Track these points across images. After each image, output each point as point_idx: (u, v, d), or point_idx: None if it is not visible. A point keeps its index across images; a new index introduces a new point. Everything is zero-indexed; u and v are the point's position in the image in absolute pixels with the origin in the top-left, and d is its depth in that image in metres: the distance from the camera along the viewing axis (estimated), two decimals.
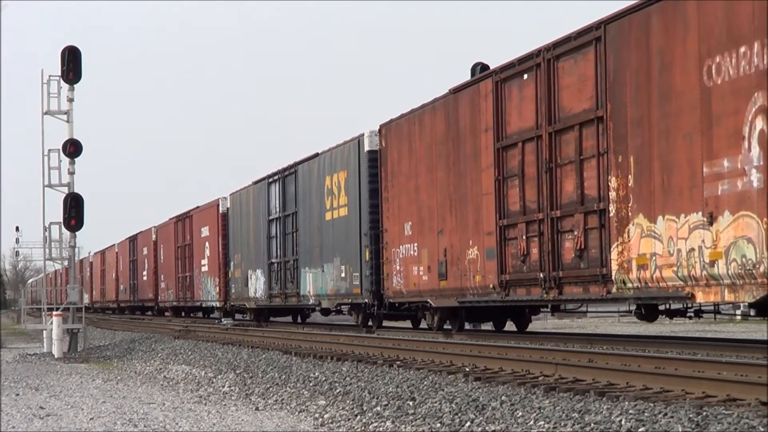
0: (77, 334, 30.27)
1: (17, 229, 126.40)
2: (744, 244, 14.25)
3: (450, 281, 22.94)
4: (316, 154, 31.43)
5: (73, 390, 17.28)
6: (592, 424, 9.50)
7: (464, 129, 22.30)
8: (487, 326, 27.15)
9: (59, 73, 29.90)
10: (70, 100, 29.91)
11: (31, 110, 50.51)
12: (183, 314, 52.45)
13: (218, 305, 43.05)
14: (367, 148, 27.39)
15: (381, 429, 11.06)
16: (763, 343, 15.32)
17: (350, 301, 28.70)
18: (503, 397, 11.49)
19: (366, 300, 27.45)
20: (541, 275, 19.34)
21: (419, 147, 24.45)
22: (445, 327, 24.92)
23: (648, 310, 17.73)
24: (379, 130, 26.80)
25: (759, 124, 13.98)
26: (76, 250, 31.11)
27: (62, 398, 15.84)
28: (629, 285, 16.82)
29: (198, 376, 18.68)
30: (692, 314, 17.81)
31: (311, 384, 15.08)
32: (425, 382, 13.59)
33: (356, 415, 11.95)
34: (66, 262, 31.18)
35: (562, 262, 18.82)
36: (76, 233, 30.35)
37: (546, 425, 9.81)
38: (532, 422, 10.04)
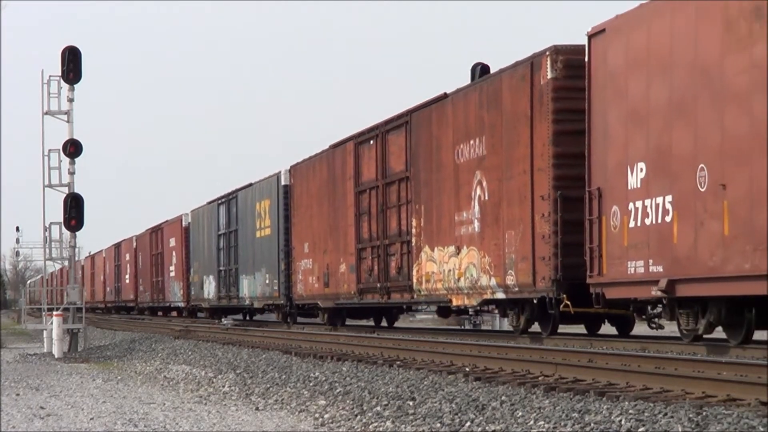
0: (77, 334, 30.46)
1: (17, 229, 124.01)
2: (472, 267, 22.08)
3: (331, 288, 30.76)
4: (250, 184, 39.23)
5: (73, 390, 17.37)
6: (592, 424, 9.54)
7: (338, 176, 30.11)
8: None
9: (59, 73, 29.90)
10: (70, 100, 30.09)
11: (31, 110, 50.21)
12: (159, 313, 60.08)
13: (183, 305, 50.99)
14: (282, 182, 35.17)
15: (381, 429, 11.15)
16: (763, 342, 15.99)
17: (272, 302, 36.56)
18: (503, 397, 11.54)
19: (282, 301, 35.30)
20: (379, 285, 27.15)
21: (313, 186, 32.27)
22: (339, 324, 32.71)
23: (441, 310, 25.64)
24: (290, 170, 34.62)
25: (478, 191, 21.82)
26: (77, 250, 31.57)
27: (62, 398, 15.90)
28: (422, 293, 24.64)
29: (198, 376, 18.83)
30: (473, 312, 25.71)
31: (311, 384, 15.21)
32: (425, 382, 13.66)
33: (356, 415, 12.04)
34: (66, 263, 31.65)
35: (390, 276, 26.63)
36: (76, 233, 30.64)
37: (546, 425, 9.88)
38: (532, 422, 10.13)
